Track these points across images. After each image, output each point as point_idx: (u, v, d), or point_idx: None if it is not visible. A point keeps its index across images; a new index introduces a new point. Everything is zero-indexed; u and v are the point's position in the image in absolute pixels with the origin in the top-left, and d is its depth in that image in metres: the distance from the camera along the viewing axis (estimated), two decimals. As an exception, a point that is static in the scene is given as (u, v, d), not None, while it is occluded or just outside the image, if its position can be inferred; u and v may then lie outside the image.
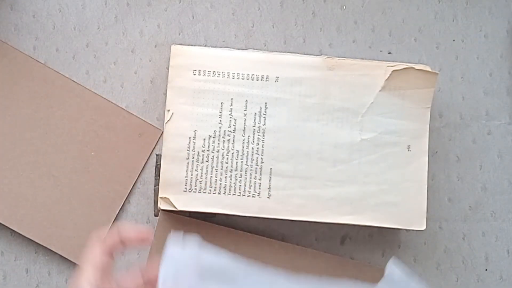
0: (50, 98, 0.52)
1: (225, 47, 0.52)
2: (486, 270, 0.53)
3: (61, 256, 0.51)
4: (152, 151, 0.52)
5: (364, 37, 0.54)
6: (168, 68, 0.53)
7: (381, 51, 0.54)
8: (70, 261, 0.51)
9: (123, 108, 0.52)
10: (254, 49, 0.52)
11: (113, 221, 0.51)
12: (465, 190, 0.54)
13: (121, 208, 0.52)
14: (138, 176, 0.52)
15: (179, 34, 0.53)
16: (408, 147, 0.49)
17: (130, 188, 0.52)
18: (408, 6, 0.55)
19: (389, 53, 0.54)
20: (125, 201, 0.52)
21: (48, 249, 0.51)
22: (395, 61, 0.54)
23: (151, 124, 0.52)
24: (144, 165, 0.52)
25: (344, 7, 0.54)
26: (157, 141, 0.52)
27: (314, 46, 0.54)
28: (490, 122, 0.54)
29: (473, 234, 0.53)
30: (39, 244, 0.51)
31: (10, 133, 0.51)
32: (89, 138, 0.52)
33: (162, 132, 0.52)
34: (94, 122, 0.52)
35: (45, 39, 0.53)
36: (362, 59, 0.54)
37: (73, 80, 0.52)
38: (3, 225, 0.51)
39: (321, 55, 0.53)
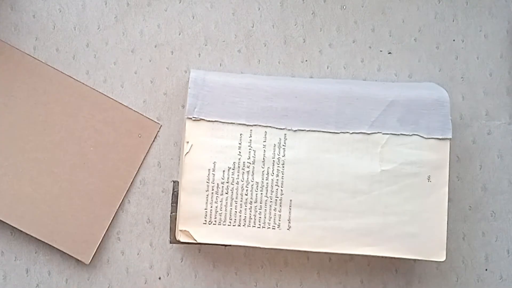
0: (49, 95, 0.52)
1: (242, 72, 0.53)
2: (486, 270, 0.53)
3: (61, 256, 0.51)
4: (151, 144, 0.52)
5: (364, 37, 0.54)
6: (168, 68, 0.53)
7: (381, 51, 0.54)
8: (70, 261, 0.51)
9: (121, 103, 0.52)
10: (275, 76, 0.53)
11: (113, 216, 0.52)
12: (465, 190, 0.54)
13: (121, 207, 0.52)
14: (138, 173, 0.52)
15: (179, 34, 0.53)
16: (428, 177, 0.49)
17: (130, 183, 0.52)
18: (408, 6, 0.55)
19: (389, 53, 0.54)
20: (125, 200, 0.52)
21: (48, 249, 0.51)
22: (395, 61, 0.54)
23: (149, 118, 0.53)
24: (143, 158, 0.52)
25: (344, 7, 0.54)
26: (156, 135, 0.53)
27: (314, 46, 0.54)
28: (490, 122, 0.54)
29: (473, 234, 0.53)
30: (39, 244, 0.51)
31: (9, 130, 0.51)
32: (88, 133, 0.52)
33: (161, 126, 0.52)
34: (92, 118, 0.52)
35: (45, 39, 0.53)
36: (362, 60, 0.54)
37: (70, 77, 0.52)
38: (3, 223, 0.51)
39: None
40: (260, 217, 0.48)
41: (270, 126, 0.49)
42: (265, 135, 0.49)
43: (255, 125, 0.49)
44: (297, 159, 0.49)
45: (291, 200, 0.49)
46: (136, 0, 0.54)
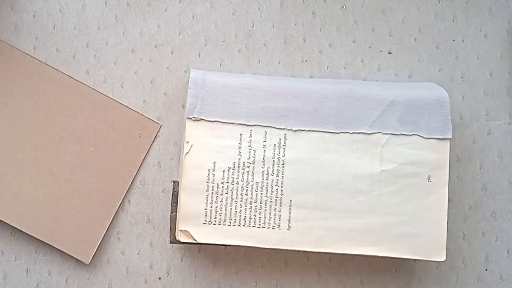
0: (49, 95, 0.52)
1: (242, 72, 0.53)
2: (486, 270, 0.53)
3: (61, 256, 0.51)
4: (151, 144, 0.52)
5: (364, 37, 0.54)
6: (168, 68, 0.53)
7: (381, 51, 0.54)
8: (70, 261, 0.51)
9: (121, 103, 0.52)
10: (275, 76, 0.52)
11: (113, 216, 0.52)
12: (465, 190, 0.54)
13: (121, 207, 0.52)
14: (138, 173, 0.52)
15: (179, 34, 0.53)
16: (429, 177, 0.49)
17: (130, 183, 0.52)
18: (408, 6, 0.55)
19: (389, 53, 0.54)
20: (125, 200, 0.52)
21: (48, 249, 0.51)
22: (395, 61, 0.54)
23: (149, 118, 0.53)
24: (143, 158, 0.52)
25: (344, 7, 0.54)
26: (156, 135, 0.53)
27: (314, 46, 0.54)
28: (490, 122, 0.54)
29: (473, 234, 0.53)
30: (39, 244, 0.51)
31: (9, 130, 0.51)
32: (88, 133, 0.52)
33: (161, 126, 0.52)
34: (92, 118, 0.52)
35: (45, 39, 0.53)
36: (362, 60, 0.54)
37: (70, 77, 0.52)
38: (3, 223, 0.51)
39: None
40: (260, 217, 0.48)
41: (270, 126, 0.49)
42: (265, 135, 0.49)
43: (255, 125, 0.49)
44: (297, 159, 0.49)
45: (291, 200, 0.49)
46: (136, 0, 0.54)
